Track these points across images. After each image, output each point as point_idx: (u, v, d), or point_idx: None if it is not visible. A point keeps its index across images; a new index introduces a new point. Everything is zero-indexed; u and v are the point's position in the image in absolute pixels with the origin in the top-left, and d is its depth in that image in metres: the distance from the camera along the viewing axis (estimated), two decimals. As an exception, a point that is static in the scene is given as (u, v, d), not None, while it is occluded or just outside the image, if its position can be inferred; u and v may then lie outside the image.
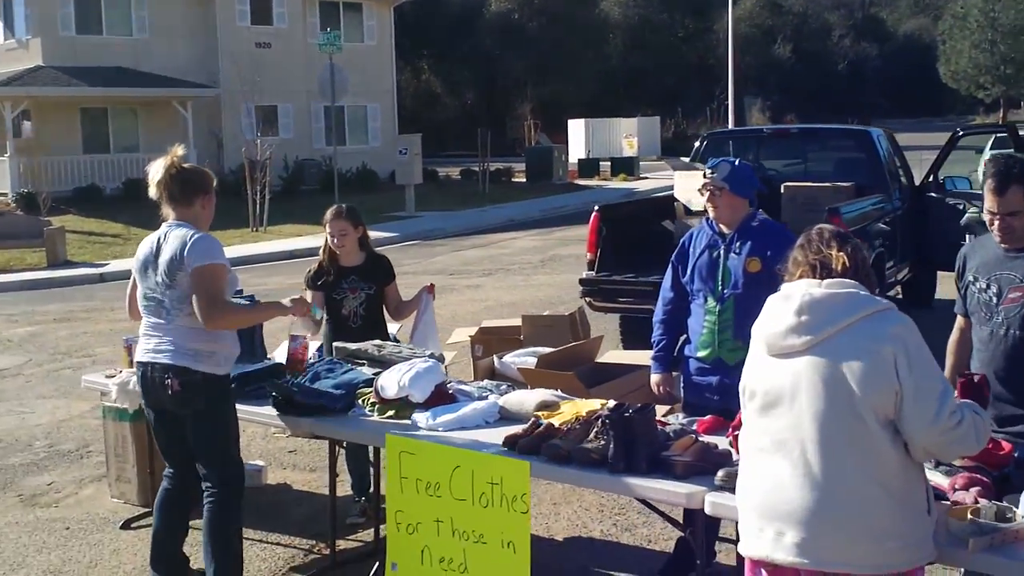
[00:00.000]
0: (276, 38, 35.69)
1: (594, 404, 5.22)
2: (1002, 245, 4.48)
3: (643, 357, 8.16)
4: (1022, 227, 4.40)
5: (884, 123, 67.62)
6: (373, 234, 23.26)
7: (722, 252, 5.41)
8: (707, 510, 4.13)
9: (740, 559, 4.67)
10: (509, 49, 56.45)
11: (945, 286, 12.27)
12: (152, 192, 5.37)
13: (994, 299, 4.46)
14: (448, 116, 58.18)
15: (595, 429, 4.62)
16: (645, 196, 11.65)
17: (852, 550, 3.22)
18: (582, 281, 9.89)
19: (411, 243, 23.37)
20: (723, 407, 5.20)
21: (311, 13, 37.00)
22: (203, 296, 5.12)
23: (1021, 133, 11.67)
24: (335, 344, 6.17)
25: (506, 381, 6.00)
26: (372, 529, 6.33)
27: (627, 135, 49.85)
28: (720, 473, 4.15)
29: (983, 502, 3.65)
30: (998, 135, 15.10)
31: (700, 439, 4.54)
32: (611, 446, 4.41)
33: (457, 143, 52.00)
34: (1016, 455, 4.08)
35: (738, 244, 5.38)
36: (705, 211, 5.55)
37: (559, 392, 5.54)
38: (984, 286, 4.51)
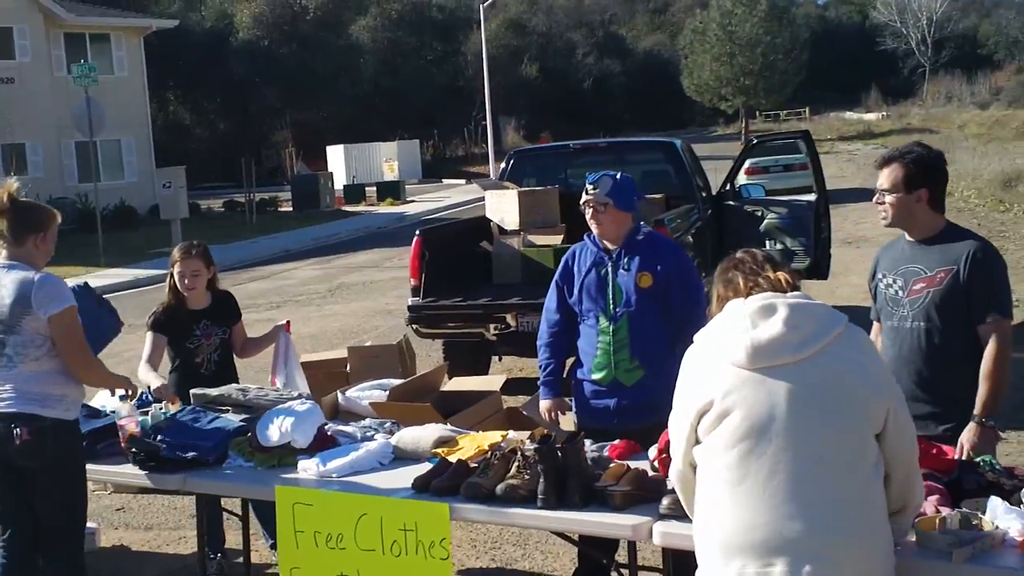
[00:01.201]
0: (20, 72, 33.72)
1: (494, 436, 4.97)
2: (906, 236, 4.54)
3: (487, 383, 7.94)
4: (896, 210, 4.46)
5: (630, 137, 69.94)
6: (143, 273, 22.11)
7: (610, 269, 5.24)
8: (656, 541, 3.94)
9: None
10: (261, 76, 55.18)
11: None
12: None
13: (899, 292, 4.50)
14: (199, 147, 56.27)
15: (515, 464, 4.36)
16: (460, 218, 11.37)
17: (867, 568, 3.08)
18: (409, 308, 9.56)
19: (185, 279, 22.38)
20: (622, 429, 5.04)
21: (56, 45, 35.17)
22: (74, 344, 4.86)
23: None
24: (193, 391, 5.66)
25: (376, 418, 5.63)
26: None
27: (387, 159, 49.64)
28: (665, 501, 3.96)
29: (945, 511, 3.58)
30: (760, 144, 15.37)
31: (631, 467, 4.33)
32: (541, 480, 4.17)
33: (210, 174, 50.41)
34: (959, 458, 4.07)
35: (626, 260, 5.23)
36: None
37: (450, 427, 5.26)
38: (890, 281, 4.56)
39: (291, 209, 36.02)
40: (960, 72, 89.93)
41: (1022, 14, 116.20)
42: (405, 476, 4.69)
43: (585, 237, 5.42)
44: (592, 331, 5.27)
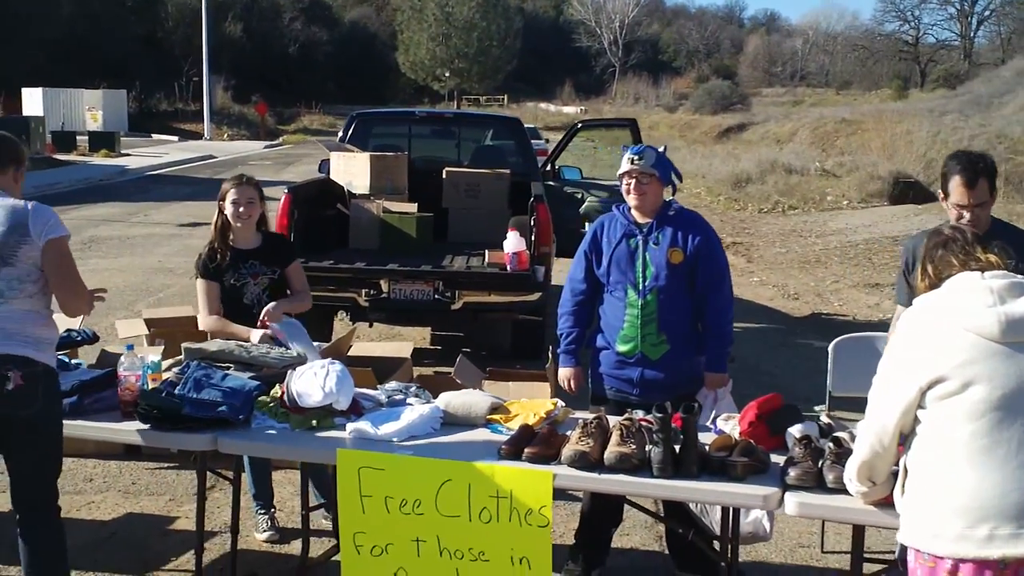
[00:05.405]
0: None
1: (544, 404, 4.91)
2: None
3: (394, 349, 7.80)
4: (986, 217, 4.76)
5: (334, 108, 69.21)
6: None
7: (640, 242, 5.25)
8: (791, 511, 4.02)
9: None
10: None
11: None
12: None
13: None
14: None
15: (617, 432, 4.34)
16: (316, 178, 10.86)
17: None
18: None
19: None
20: (642, 402, 5.08)
21: None
22: (69, 276, 4.50)
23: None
24: (185, 345, 5.26)
25: (408, 383, 5.42)
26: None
27: (90, 107, 47.08)
28: (793, 472, 4.06)
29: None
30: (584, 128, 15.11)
31: (735, 438, 4.40)
32: (658, 449, 4.17)
33: None
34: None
35: (657, 234, 5.25)
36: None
37: (491, 393, 5.13)
38: None
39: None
40: (647, 75, 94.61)
41: (701, 26, 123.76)
42: (470, 441, 4.59)
43: (614, 208, 5.41)
44: (620, 303, 5.27)
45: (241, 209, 5.71)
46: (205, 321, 5.76)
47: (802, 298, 14.22)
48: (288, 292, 5.95)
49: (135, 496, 6.58)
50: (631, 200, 5.26)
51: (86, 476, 6.89)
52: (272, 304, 5.70)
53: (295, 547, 5.83)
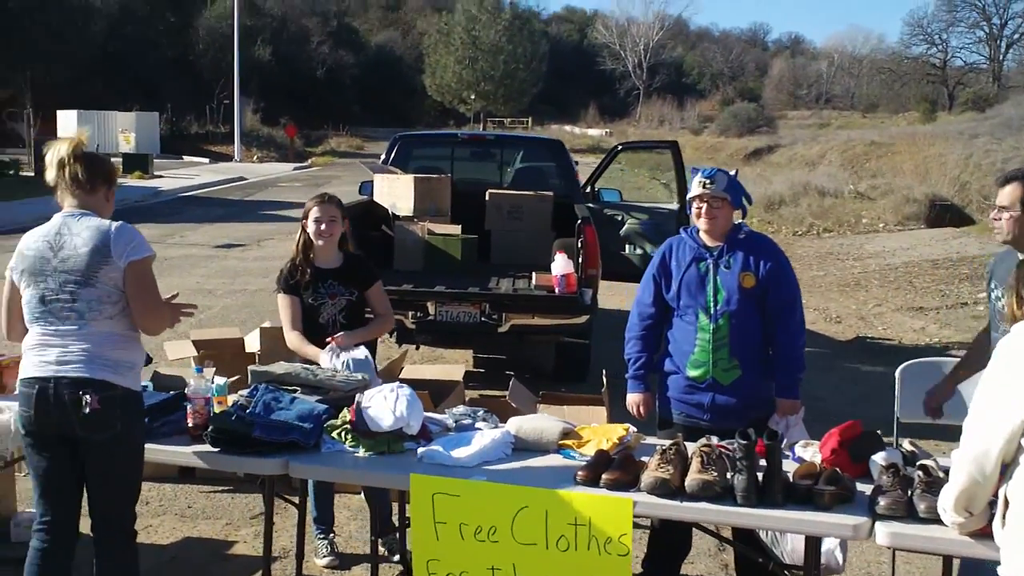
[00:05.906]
0: None
1: (617, 429, 4.82)
2: (1000, 241, 4.81)
3: (445, 372, 7.75)
4: (1012, 226, 4.67)
5: (360, 130, 69.51)
6: None
7: (711, 266, 5.18)
8: (882, 541, 3.91)
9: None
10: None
11: (609, 294, 12.67)
12: (49, 176, 4.49)
13: (1005, 308, 4.64)
14: None
15: (697, 458, 4.25)
16: (360, 200, 10.83)
17: None
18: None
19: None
20: (712, 427, 4.99)
21: None
22: (149, 297, 4.43)
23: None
24: (252, 368, 5.21)
25: (475, 407, 5.35)
26: None
27: (123, 130, 47.33)
28: (884, 501, 3.96)
29: None
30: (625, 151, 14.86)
31: (819, 465, 4.31)
32: (742, 477, 4.08)
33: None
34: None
35: (728, 258, 5.18)
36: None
37: (562, 419, 5.05)
38: (999, 295, 4.75)
39: (32, 174, 33.64)
40: (671, 97, 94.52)
41: (726, 49, 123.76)
42: (544, 467, 4.52)
43: (682, 232, 5.35)
44: (690, 328, 5.19)
45: (323, 227, 5.71)
46: (288, 336, 5.74)
47: (845, 322, 14.10)
48: (368, 314, 5.92)
49: (192, 520, 6.53)
50: (701, 224, 5.19)
51: (142, 499, 6.74)
52: (343, 333, 5.64)
53: (355, 573, 5.77)
